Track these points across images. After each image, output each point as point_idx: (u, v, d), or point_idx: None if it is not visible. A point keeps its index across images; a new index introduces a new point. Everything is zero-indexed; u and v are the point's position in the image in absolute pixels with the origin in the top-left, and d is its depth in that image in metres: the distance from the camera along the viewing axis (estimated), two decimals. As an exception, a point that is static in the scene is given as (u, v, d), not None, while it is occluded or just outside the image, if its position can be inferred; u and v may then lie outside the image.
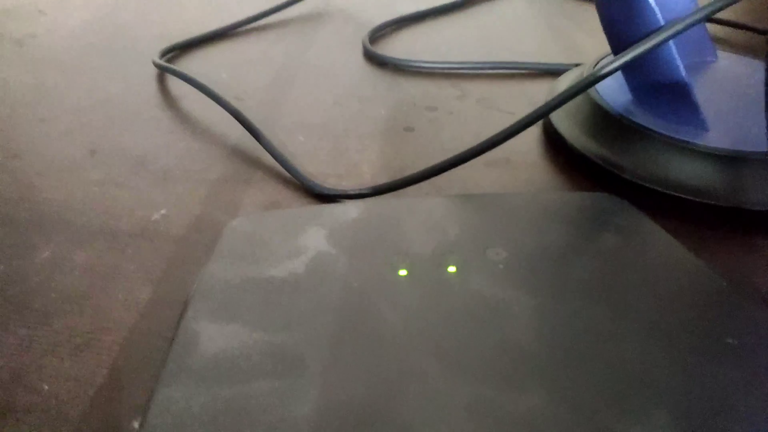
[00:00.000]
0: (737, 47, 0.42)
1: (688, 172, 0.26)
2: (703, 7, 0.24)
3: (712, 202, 0.25)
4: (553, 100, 0.25)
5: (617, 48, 0.29)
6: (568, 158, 0.30)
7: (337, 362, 0.16)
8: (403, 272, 0.19)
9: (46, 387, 0.18)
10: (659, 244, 0.21)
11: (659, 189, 0.26)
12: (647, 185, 0.26)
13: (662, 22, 0.26)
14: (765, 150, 0.25)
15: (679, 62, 0.27)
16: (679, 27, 0.24)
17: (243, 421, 0.14)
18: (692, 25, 0.24)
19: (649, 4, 0.26)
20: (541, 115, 0.25)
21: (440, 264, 0.19)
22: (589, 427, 0.14)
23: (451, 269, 0.19)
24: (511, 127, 0.25)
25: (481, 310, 0.17)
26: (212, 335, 0.17)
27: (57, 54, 0.40)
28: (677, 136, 0.27)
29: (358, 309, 0.18)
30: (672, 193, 0.26)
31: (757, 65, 0.33)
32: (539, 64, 0.38)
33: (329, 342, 0.16)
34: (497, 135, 0.25)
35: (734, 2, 0.24)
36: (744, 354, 0.16)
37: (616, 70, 0.25)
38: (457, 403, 0.15)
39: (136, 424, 0.15)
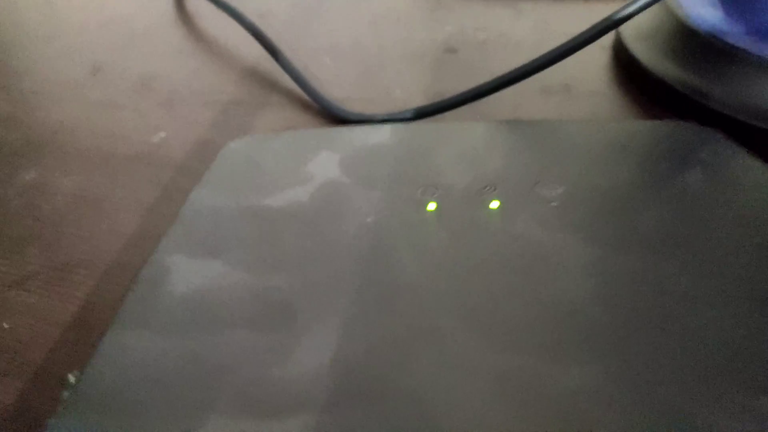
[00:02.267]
0: None
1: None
2: None
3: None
4: (624, 8, 0.20)
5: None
6: (642, 85, 0.25)
7: (338, 316, 0.12)
8: (431, 206, 0.15)
9: (6, 325, 0.16)
10: (761, 184, 0.16)
11: (756, 123, 0.21)
12: (740, 118, 0.21)
13: None
14: None
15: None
16: None
17: (205, 378, 0.11)
18: None
19: None
20: (610, 26, 0.20)
21: (479, 198, 0.15)
22: (658, 411, 0.10)
23: (493, 205, 0.15)
24: (574, 39, 0.20)
25: (526, 257, 0.14)
26: (185, 272, 0.13)
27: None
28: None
29: (371, 250, 0.14)
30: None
31: None
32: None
33: (331, 290, 0.13)
34: (555, 50, 0.21)
35: None
36: None
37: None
38: (488, 373, 0.11)
39: (71, 378, 0.12)
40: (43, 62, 0.28)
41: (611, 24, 0.20)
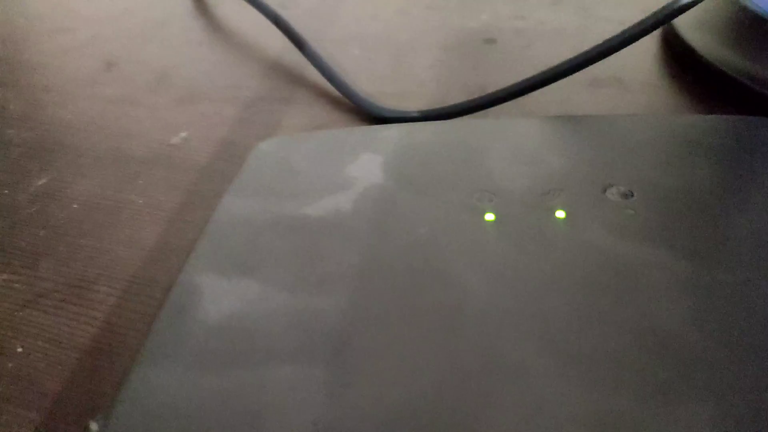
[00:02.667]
0: None
1: None
2: None
3: None
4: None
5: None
6: (698, 77, 0.23)
7: (392, 344, 0.11)
8: (489, 216, 0.14)
9: (20, 349, 0.14)
10: None
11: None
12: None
13: None
14: None
15: None
16: None
17: (245, 423, 0.09)
18: None
19: None
20: (667, 17, 0.18)
21: (543, 205, 0.14)
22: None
23: (559, 214, 0.14)
24: (627, 31, 0.18)
25: (607, 276, 0.12)
26: (218, 295, 0.12)
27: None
28: None
29: (425, 267, 0.12)
30: None
31: None
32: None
33: (382, 313, 0.11)
34: (606, 42, 0.19)
35: None
36: None
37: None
38: (572, 415, 0.09)
39: (94, 426, 0.11)
40: (54, 57, 0.26)
41: (673, 12, 0.18)
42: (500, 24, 0.27)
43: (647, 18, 0.18)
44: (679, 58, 0.24)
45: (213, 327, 0.11)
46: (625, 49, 0.20)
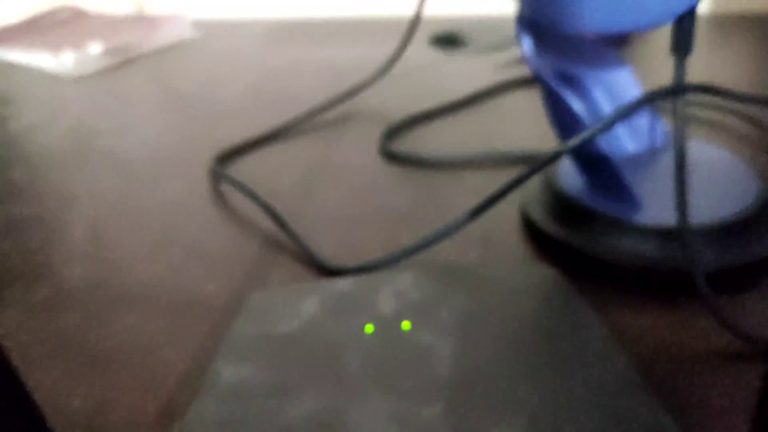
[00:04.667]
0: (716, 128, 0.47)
1: (624, 245, 0.32)
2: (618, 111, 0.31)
3: (644, 268, 0.31)
4: (504, 186, 0.32)
5: (561, 137, 0.36)
6: (538, 240, 0.36)
7: (319, 392, 0.23)
8: (369, 328, 0.26)
9: None
10: (574, 314, 0.26)
11: (605, 258, 0.32)
12: (593, 255, 0.32)
13: (586, 123, 0.32)
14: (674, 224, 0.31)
15: (610, 153, 0.34)
16: (586, 136, 0.31)
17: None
18: (593, 135, 0.31)
19: (577, 113, 0.32)
20: (494, 198, 0.32)
21: (398, 322, 0.26)
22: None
23: (406, 326, 0.26)
24: (477, 206, 0.32)
25: (418, 352, 0.24)
26: (232, 374, 0.24)
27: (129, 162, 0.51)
28: (614, 214, 0.32)
29: (334, 355, 0.24)
30: (614, 263, 0.31)
31: (699, 147, 0.39)
32: (532, 152, 0.45)
33: (315, 376, 0.23)
34: (464, 215, 0.32)
35: (643, 104, 0.30)
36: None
37: (537, 169, 0.31)
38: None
39: None
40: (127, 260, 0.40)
41: (498, 194, 0.32)
42: (419, 203, 0.41)
43: (488, 197, 0.32)
44: (527, 224, 0.37)
45: (231, 387, 0.23)
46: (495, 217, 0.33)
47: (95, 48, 0.75)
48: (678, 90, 0.29)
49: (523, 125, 0.51)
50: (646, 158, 0.38)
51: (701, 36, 0.70)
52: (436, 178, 0.44)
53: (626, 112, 0.31)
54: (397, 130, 0.51)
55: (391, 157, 0.47)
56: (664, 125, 0.40)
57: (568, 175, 0.37)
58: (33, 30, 0.87)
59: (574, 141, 0.31)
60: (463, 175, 0.44)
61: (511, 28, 0.76)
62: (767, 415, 0.16)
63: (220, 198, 0.44)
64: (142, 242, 0.39)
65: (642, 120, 0.39)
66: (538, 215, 0.36)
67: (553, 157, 0.31)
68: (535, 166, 0.31)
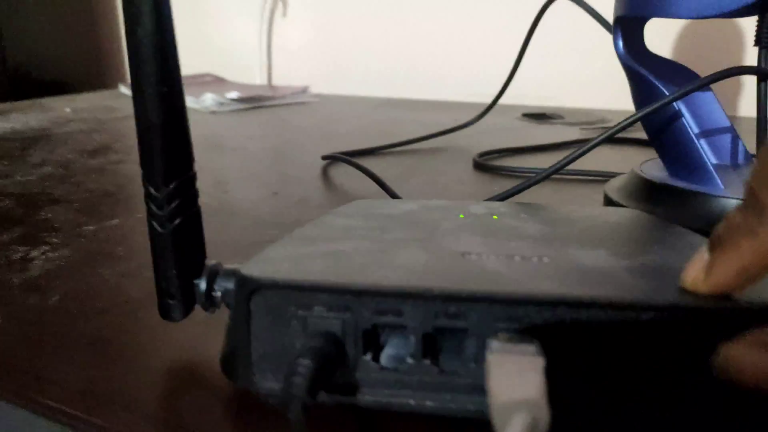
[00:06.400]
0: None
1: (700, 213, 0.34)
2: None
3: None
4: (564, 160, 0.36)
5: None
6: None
7: (413, 234, 0.26)
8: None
9: None
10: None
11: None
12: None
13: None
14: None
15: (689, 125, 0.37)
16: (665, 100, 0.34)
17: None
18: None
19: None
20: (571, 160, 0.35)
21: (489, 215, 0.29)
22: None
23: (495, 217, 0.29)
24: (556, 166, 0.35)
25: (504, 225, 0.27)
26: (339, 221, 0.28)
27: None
28: (692, 189, 0.35)
29: (429, 223, 0.28)
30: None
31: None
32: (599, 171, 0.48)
33: (411, 229, 0.27)
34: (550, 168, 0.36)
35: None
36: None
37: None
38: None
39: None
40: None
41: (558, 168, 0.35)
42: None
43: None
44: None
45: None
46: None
47: (232, 94, 0.87)
48: (761, 73, 0.33)
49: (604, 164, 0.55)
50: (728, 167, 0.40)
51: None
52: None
53: (709, 81, 0.34)
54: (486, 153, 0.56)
55: (479, 167, 0.52)
56: (745, 146, 0.42)
57: (655, 168, 0.40)
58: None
59: (652, 106, 0.34)
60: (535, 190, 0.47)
61: (600, 114, 0.81)
62: None
63: (326, 176, 0.49)
64: (260, 194, 0.45)
65: (725, 137, 0.42)
66: (619, 196, 0.39)
67: (631, 121, 0.35)
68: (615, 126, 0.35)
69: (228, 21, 1.17)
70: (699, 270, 0.17)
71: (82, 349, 0.23)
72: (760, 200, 0.15)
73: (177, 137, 0.21)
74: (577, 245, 0.23)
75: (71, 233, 0.36)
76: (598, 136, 0.36)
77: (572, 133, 0.68)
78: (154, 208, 0.21)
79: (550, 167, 0.36)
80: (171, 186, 0.21)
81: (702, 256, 0.17)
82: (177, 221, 0.21)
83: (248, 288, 0.19)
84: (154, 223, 0.21)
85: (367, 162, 0.54)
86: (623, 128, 0.35)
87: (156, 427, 0.19)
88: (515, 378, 0.15)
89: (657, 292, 0.18)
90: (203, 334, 0.24)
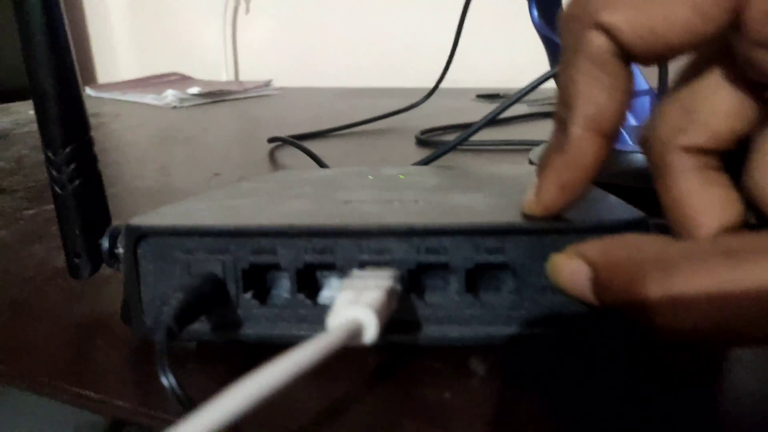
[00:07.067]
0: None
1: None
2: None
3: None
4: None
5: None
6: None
7: (316, 191, 0.27)
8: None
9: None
10: None
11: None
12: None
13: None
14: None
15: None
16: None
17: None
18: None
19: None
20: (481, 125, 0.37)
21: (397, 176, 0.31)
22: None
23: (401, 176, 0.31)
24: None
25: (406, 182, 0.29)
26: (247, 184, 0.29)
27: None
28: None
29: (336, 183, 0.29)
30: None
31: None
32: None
33: (316, 186, 0.28)
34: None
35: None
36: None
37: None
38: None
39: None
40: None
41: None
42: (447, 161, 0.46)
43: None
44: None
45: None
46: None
47: (193, 90, 0.88)
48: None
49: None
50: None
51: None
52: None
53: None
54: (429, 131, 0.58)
55: (421, 143, 0.53)
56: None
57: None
58: (145, 83, 1.04)
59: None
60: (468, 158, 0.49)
61: (551, 92, 0.83)
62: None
63: (272, 158, 0.51)
64: (203, 176, 0.46)
65: (643, 100, 0.44)
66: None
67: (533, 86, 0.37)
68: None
69: (192, 21, 1.18)
70: (532, 194, 0.18)
71: (2, 311, 0.25)
72: (561, 118, 0.17)
73: (70, 103, 0.22)
74: (460, 192, 0.25)
75: (12, 217, 0.37)
76: (510, 101, 0.38)
77: (520, 110, 0.70)
78: (53, 171, 0.23)
79: (467, 131, 0.38)
80: (67, 149, 0.22)
81: (534, 182, 0.19)
82: (76, 182, 0.23)
83: (133, 235, 0.20)
84: (55, 187, 0.23)
85: (315, 144, 0.56)
86: (525, 94, 0.37)
87: (50, 368, 0.20)
88: (357, 294, 0.17)
89: (501, 218, 0.20)
90: (116, 291, 0.25)
